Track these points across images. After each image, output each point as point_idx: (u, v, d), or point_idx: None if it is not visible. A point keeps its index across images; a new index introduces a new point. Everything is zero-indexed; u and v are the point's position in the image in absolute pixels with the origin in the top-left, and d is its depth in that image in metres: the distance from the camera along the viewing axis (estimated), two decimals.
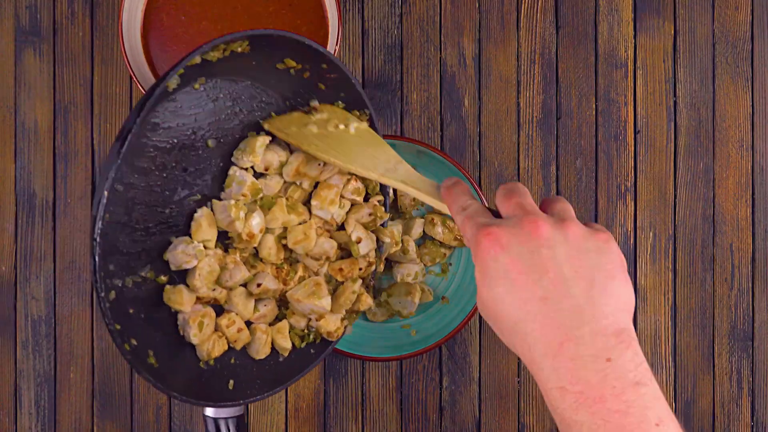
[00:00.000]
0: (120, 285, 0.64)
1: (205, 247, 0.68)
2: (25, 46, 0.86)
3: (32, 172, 0.86)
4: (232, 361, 0.71)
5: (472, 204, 0.62)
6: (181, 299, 0.67)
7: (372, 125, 0.73)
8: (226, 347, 0.70)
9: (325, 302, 0.70)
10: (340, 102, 0.72)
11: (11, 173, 0.86)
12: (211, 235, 0.68)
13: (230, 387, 0.69)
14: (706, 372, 0.87)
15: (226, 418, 0.70)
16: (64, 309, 0.86)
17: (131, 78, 0.86)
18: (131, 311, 0.64)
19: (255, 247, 0.70)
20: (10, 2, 0.86)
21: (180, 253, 0.67)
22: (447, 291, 0.85)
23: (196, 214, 0.68)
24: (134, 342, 0.64)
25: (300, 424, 0.86)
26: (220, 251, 0.69)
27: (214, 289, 0.68)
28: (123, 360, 0.86)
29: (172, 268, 0.68)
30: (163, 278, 0.67)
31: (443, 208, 0.66)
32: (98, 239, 0.61)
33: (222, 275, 0.68)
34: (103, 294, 0.62)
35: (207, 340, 0.68)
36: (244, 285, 0.70)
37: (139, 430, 0.86)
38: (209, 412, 0.71)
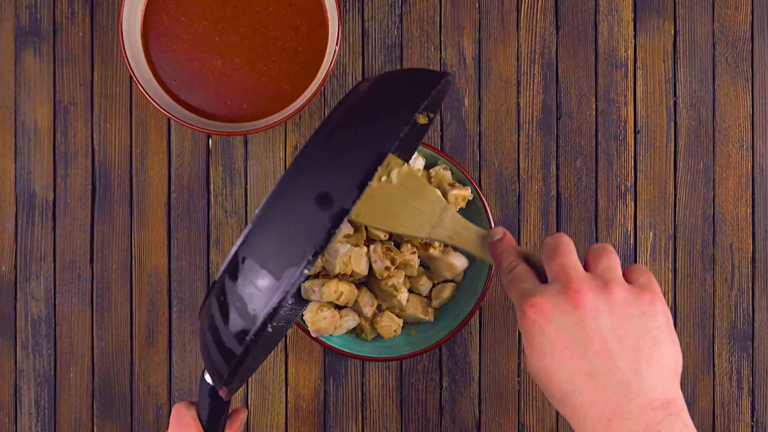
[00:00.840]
0: None
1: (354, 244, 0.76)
2: (25, 46, 0.86)
3: (32, 172, 0.86)
4: None
5: (517, 266, 0.62)
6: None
7: (425, 129, 0.73)
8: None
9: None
10: None
11: (11, 173, 0.86)
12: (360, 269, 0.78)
13: None
14: (706, 372, 0.87)
15: (215, 388, 0.68)
16: (64, 309, 0.86)
17: (131, 78, 0.86)
18: None
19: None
20: (10, 2, 0.86)
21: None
22: None
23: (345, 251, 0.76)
24: None
25: (300, 424, 0.86)
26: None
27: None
28: (123, 360, 0.86)
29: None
30: None
31: (488, 258, 0.66)
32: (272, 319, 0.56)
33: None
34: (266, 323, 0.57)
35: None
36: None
37: (139, 430, 0.86)
38: (209, 378, 0.69)
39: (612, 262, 0.60)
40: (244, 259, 0.55)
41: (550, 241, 0.61)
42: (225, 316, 0.56)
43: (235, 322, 0.56)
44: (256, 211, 0.56)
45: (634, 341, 0.57)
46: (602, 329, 0.57)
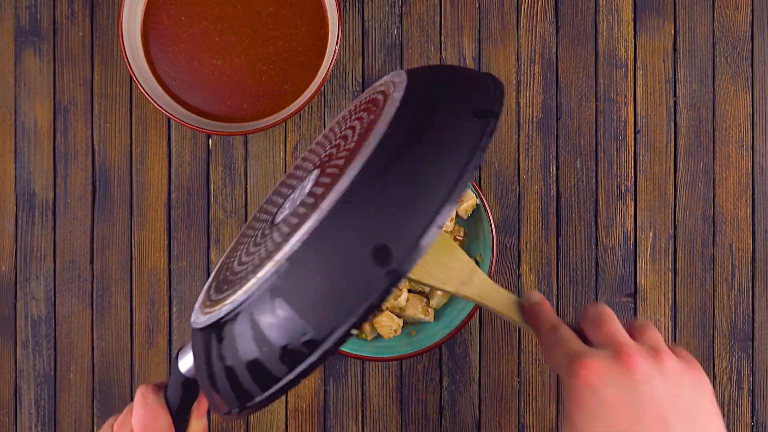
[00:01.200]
0: None
1: None
2: (25, 46, 0.86)
3: (32, 172, 0.86)
4: None
5: (561, 327, 0.61)
6: None
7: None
8: None
9: None
10: None
11: (11, 173, 0.86)
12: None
13: None
14: (706, 372, 0.87)
15: (190, 378, 0.66)
16: (64, 309, 0.86)
17: (131, 78, 0.86)
18: None
19: None
20: (10, 2, 0.86)
21: None
22: None
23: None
24: None
25: (300, 424, 0.86)
26: None
27: None
28: (123, 360, 0.86)
29: None
30: None
31: (518, 320, 0.64)
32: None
33: None
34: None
35: None
36: None
37: None
38: (183, 367, 0.65)
39: (657, 335, 0.60)
40: (274, 297, 0.48)
41: (593, 310, 0.61)
42: (245, 354, 0.50)
43: (258, 366, 0.49)
44: (290, 244, 0.48)
45: (688, 411, 0.56)
46: (657, 395, 0.56)
